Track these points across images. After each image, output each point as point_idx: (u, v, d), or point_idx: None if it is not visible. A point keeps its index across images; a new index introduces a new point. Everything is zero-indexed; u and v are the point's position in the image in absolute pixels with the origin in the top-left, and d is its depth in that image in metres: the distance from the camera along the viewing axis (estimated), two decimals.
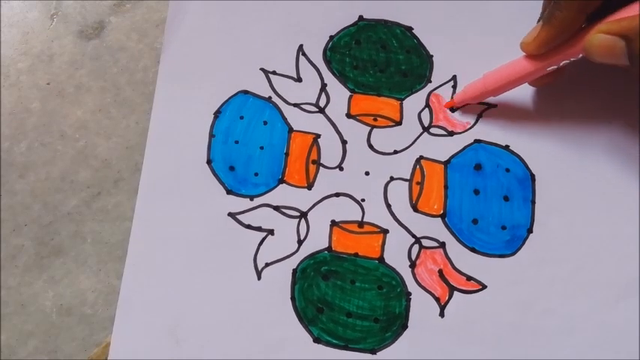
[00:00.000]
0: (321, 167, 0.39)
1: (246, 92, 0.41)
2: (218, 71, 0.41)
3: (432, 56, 0.42)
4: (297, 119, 0.40)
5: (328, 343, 0.36)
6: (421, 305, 0.37)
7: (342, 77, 0.41)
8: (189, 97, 0.41)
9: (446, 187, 0.39)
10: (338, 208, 0.39)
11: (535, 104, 0.40)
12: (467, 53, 0.42)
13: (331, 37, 0.42)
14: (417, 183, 0.39)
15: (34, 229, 0.39)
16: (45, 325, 0.38)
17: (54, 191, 0.40)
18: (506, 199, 0.39)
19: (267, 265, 0.38)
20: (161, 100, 0.41)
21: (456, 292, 0.37)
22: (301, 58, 0.42)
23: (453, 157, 0.40)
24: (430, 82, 0.41)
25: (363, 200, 0.39)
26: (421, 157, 0.40)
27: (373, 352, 0.36)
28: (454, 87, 0.41)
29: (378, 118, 0.40)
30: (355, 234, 0.38)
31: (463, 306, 0.37)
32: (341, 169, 0.40)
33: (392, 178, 0.39)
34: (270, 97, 0.41)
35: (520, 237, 0.38)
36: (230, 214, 0.38)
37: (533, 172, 0.39)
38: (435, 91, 0.41)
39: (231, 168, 0.39)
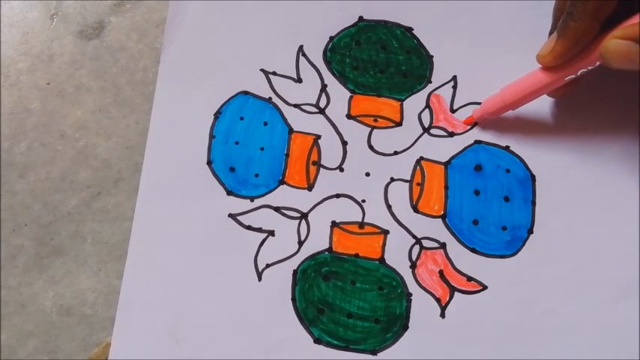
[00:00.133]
0: (321, 168, 0.39)
1: (246, 93, 0.41)
2: (218, 72, 0.41)
3: (432, 57, 0.42)
4: (298, 120, 0.40)
5: (329, 344, 0.36)
6: (422, 306, 0.37)
7: (343, 78, 0.41)
8: (189, 97, 0.41)
9: (446, 187, 0.39)
10: (338, 209, 0.39)
11: (535, 105, 0.40)
12: (467, 53, 0.42)
13: (331, 38, 0.42)
14: (418, 184, 0.39)
15: (34, 229, 0.39)
16: (45, 325, 0.38)
17: (54, 191, 0.40)
18: (506, 199, 0.39)
19: (267, 266, 0.38)
20: (161, 100, 0.41)
21: (456, 293, 0.37)
22: (301, 58, 0.42)
23: (453, 157, 0.40)
24: (430, 82, 0.41)
25: (363, 201, 0.39)
26: (421, 158, 0.40)
27: (374, 352, 0.36)
28: (454, 87, 0.41)
29: (379, 119, 0.40)
30: (356, 235, 0.38)
31: (464, 306, 0.37)
32: (341, 170, 0.40)
33: (392, 179, 0.39)
34: (270, 98, 0.41)
35: (520, 237, 0.38)
36: (230, 215, 0.38)
37: (534, 172, 0.39)
38: (435, 92, 0.41)
39: (232, 169, 0.39)
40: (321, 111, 0.41)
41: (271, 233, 0.38)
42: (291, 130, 0.40)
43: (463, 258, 0.38)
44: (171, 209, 0.39)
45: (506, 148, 0.40)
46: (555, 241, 0.38)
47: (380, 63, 0.42)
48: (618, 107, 0.40)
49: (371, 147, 0.40)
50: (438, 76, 0.41)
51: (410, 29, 0.42)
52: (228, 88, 0.41)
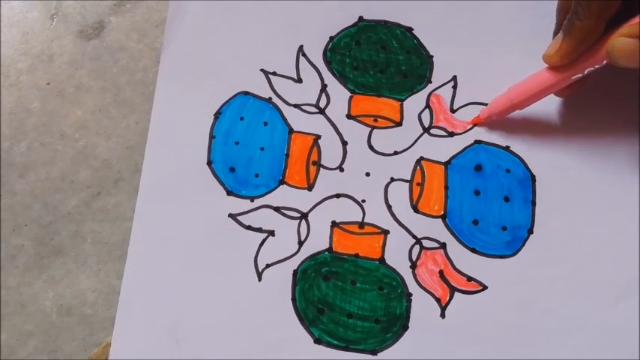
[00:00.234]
0: (321, 168, 0.39)
1: (246, 93, 0.41)
2: (218, 72, 0.41)
3: (432, 57, 0.42)
4: (298, 120, 0.40)
5: (329, 344, 0.36)
6: (422, 306, 0.37)
7: (343, 78, 0.41)
8: (189, 97, 0.41)
9: (446, 187, 0.39)
10: (338, 209, 0.39)
11: (535, 104, 0.40)
12: (467, 53, 0.42)
13: (331, 38, 0.42)
14: (418, 184, 0.39)
15: (34, 229, 0.39)
16: (45, 325, 0.37)
17: (54, 191, 0.40)
18: (506, 199, 0.39)
19: (267, 266, 0.38)
20: (161, 100, 0.41)
21: (456, 293, 0.37)
22: (301, 58, 0.42)
23: (453, 157, 0.40)
24: (430, 82, 0.41)
25: (363, 201, 0.39)
26: (421, 158, 0.40)
27: (374, 352, 0.36)
28: (454, 87, 0.41)
29: (379, 119, 0.40)
30: (356, 235, 0.38)
31: (464, 306, 0.37)
32: (341, 170, 0.40)
33: (392, 179, 0.39)
34: (270, 98, 0.41)
35: (520, 238, 0.38)
36: (230, 215, 0.38)
37: (534, 172, 0.39)
38: (435, 92, 0.41)
39: (232, 169, 0.39)
40: (321, 111, 0.41)
41: (271, 233, 0.38)
42: (291, 130, 0.40)
43: (463, 258, 0.38)
44: (171, 209, 0.39)
45: (507, 148, 0.40)
46: (555, 241, 0.38)
47: (380, 63, 0.42)
48: (618, 107, 0.40)
49: (371, 147, 0.40)
50: (438, 76, 0.41)
51: (410, 29, 0.42)
52: (228, 88, 0.41)
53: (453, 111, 0.41)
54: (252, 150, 0.40)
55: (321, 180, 0.39)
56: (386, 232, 0.38)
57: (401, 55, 0.42)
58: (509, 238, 0.38)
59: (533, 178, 0.39)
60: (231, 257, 0.38)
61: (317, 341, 0.36)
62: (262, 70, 0.41)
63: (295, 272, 0.38)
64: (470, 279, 0.37)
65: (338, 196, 0.39)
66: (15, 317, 0.38)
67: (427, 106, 0.41)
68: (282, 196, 0.39)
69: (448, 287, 0.37)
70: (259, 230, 0.38)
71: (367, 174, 0.39)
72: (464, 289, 0.37)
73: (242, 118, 0.40)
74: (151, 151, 0.40)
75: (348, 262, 0.38)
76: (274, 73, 0.41)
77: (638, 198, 0.38)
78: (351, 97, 0.41)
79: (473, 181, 0.39)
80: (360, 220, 0.39)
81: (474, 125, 0.40)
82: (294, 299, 0.37)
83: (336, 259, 0.38)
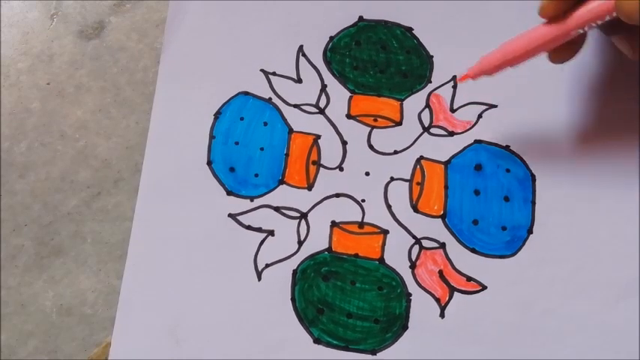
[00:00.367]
0: (321, 168, 0.39)
1: (246, 93, 0.41)
2: (218, 72, 0.41)
3: (432, 57, 0.42)
4: (298, 120, 0.40)
5: (328, 344, 0.36)
6: (421, 306, 0.37)
7: (342, 78, 0.41)
8: (189, 97, 0.41)
9: (446, 187, 0.39)
10: (338, 209, 0.39)
11: (535, 104, 0.40)
12: (467, 53, 0.41)
13: (331, 38, 0.42)
14: (418, 183, 0.39)
15: (34, 229, 0.39)
16: (45, 325, 0.38)
17: (54, 191, 0.40)
18: (506, 199, 0.39)
19: (267, 265, 0.38)
20: (161, 100, 0.41)
21: (456, 293, 0.37)
22: (301, 58, 0.42)
23: (453, 157, 0.40)
24: (430, 82, 0.41)
25: (363, 201, 0.39)
26: (421, 158, 0.40)
27: (374, 352, 0.36)
28: (454, 87, 0.41)
29: (378, 119, 0.40)
30: (355, 235, 0.38)
31: (463, 306, 0.37)
32: (341, 169, 0.40)
33: (392, 179, 0.39)
34: (270, 98, 0.41)
35: (520, 238, 0.38)
36: (230, 215, 0.38)
37: (534, 172, 0.39)
38: (435, 92, 0.41)
39: (232, 169, 0.39)
40: (321, 111, 0.41)
41: (271, 233, 0.38)
42: (291, 130, 0.40)
43: (463, 258, 0.38)
44: (171, 209, 0.39)
45: (507, 147, 0.40)
46: (555, 241, 0.38)
47: (380, 63, 0.42)
48: (618, 107, 0.40)
49: (371, 146, 0.40)
50: (438, 76, 0.41)
51: (410, 29, 0.42)
52: (228, 88, 0.41)
53: (452, 111, 0.41)
54: (252, 150, 0.40)
55: (320, 180, 0.39)
56: (385, 232, 0.38)
57: (401, 55, 0.42)
58: (508, 238, 0.38)
59: (533, 178, 0.39)
60: (231, 257, 0.38)
61: (316, 341, 0.36)
62: (262, 70, 0.41)
63: (295, 272, 0.38)
64: (469, 279, 0.37)
65: (338, 195, 0.39)
66: (15, 317, 0.38)
67: (427, 105, 0.41)
68: (282, 195, 0.39)
69: (448, 287, 0.37)
70: (259, 230, 0.38)
71: (367, 173, 0.39)
72: (463, 289, 0.37)
73: (242, 118, 0.40)
74: (151, 151, 0.40)
75: (348, 262, 0.38)
76: (274, 73, 0.41)
77: (638, 198, 0.38)
78: (350, 97, 0.41)
79: (473, 181, 0.39)
80: (360, 220, 0.39)
81: (464, 80, 0.37)
82: (293, 299, 0.37)
83: (335, 259, 0.38)
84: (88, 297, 0.38)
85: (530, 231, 0.38)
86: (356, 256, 0.38)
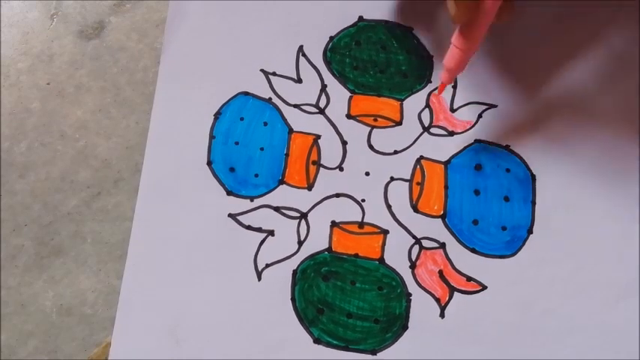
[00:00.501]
0: (321, 168, 0.39)
1: (246, 93, 0.41)
2: (218, 72, 0.41)
3: (432, 57, 0.42)
4: (298, 120, 0.40)
5: (328, 344, 0.36)
6: (421, 306, 0.37)
7: (342, 78, 0.41)
8: (189, 97, 0.41)
9: (446, 187, 0.39)
10: (338, 209, 0.39)
11: (535, 104, 0.40)
12: None
13: (331, 38, 0.42)
14: (418, 183, 0.39)
15: (34, 229, 0.39)
16: (45, 325, 0.38)
17: (54, 191, 0.40)
18: (506, 199, 0.39)
19: (267, 265, 0.38)
20: (161, 100, 0.41)
21: (456, 293, 0.37)
22: (301, 58, 0.42)
23: (453, 157, 0.40)
24: (430, 82, 0.41)
25: (363, 201, 0.39)
26: (421, 157, 0.40)
27: (373, 352, 0.36)
28: (454, 87, 0.41)
29: (378, 119, 0.40)
30: (355, 235, 0.38)
31: (463, 306, 0.37)
32: (341, 169, 0.40)
33: (392, 179, 0.39)
34: (270, 98, 0.41)
35: (520, 238, 0.38)
36: (230, 215, 0.38)
37: (534, 172, 0.39)
38: (435, 92, 0.41)
39: (232, 169, 0.39)
40: (321, 111, 0.41)
41: (271, 233, 0.38)
42: (291, 130, 0.40)
43: (463, 258, 0.38)
44: (171, 209, 0.39)
45: (507, 147, 0.40)
46: (555, 241, 0.38)
47: (380, 63, 0.42)
48: (618, 107, 0.40)
49: (371, 146, 0.40)
50: (438, 76, 0.41)
51: (410, 29, 0.42)
52: (228, 88, 0.41)
53: (452, 110, 0.41)
54: (252, 150, 0.40)
55: (320, 180, 0.39)
56: (385, 232, 0.38)
57: (401, 55, 0.42)
58: (508, 238, 0.38)
59: (533, 178, 0.39)
60: (231, 257, 0.38)
61: (316, 341, 0.36)
62: (262, 70, 0.41)
63: (295, 272, 0.38)
64: (469, 279, 0.37)
65: (338, 195, 0.39)
66: (15, 317, 0.38)
67: (427, 105, 0.41)
68: (282, 195, 0.39)
69: (448, 287, 0.37)
70: (259, 230, 0.38)
71: (367, 173, 0.39)
72: (463, 289, 0.37)
73: (242, 119, 0.40)
74: (151, 151, 0.40)
75: (348, 262, 0.38)
76: (274, 74, 0.41)
77: (638, 198, 0.38)
78: (350, 97, 0.41)
79: (473, 181, 0.39)
80: (360, 220, 0.39)
81: (442, 91, 0.38)
82: (293, 299, 0.37)
83: (335, 259, 0.38)
84: (88, 297, 0.38)
85: (530, 231, 0.38)
86: (356, 256, 0.38)
